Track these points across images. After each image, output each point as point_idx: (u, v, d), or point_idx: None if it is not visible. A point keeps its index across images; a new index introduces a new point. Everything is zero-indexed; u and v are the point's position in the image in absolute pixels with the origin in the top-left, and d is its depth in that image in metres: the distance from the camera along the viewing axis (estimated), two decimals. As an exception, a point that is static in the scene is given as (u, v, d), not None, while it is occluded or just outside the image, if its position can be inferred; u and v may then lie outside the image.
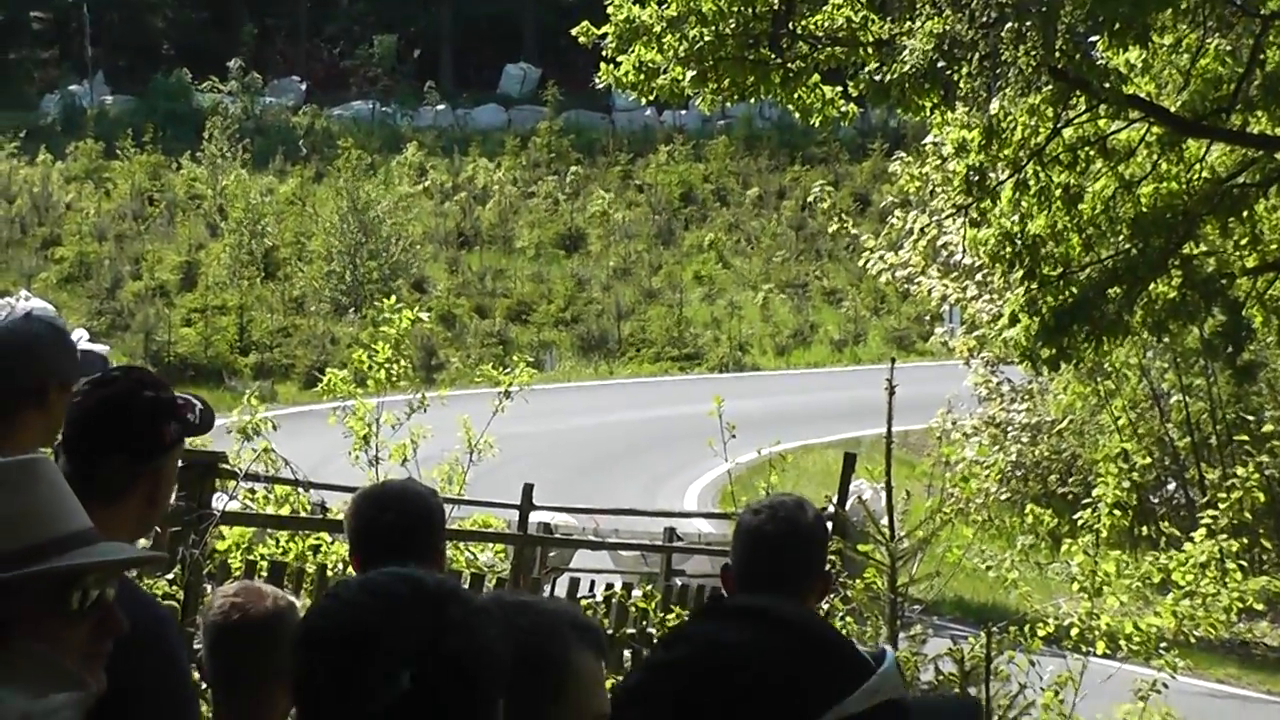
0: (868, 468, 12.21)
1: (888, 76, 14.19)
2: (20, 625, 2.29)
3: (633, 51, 15.53)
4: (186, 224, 42.65)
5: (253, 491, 11.13)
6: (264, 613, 3.84)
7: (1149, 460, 19.41)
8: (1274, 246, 16.01)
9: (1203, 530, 11.25)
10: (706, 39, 15.03)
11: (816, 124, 16.23)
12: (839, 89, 15.64)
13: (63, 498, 2.38)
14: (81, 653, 2.34)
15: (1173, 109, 15.18)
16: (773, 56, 15.24)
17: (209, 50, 53.72)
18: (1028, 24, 13.57)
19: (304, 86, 55.28)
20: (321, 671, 2.07)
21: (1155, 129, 15.19)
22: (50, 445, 3.80)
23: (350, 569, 4.52)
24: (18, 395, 3.97)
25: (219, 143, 44.96)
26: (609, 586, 11.93)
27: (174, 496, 7.03)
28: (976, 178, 15.07)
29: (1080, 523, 10.76)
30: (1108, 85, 14.11)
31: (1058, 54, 13.76)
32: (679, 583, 13.11)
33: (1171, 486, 23.42)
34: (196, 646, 3.97)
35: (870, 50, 14.92)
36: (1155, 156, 15.34)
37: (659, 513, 17.13)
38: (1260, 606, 14.68)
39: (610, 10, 15.59)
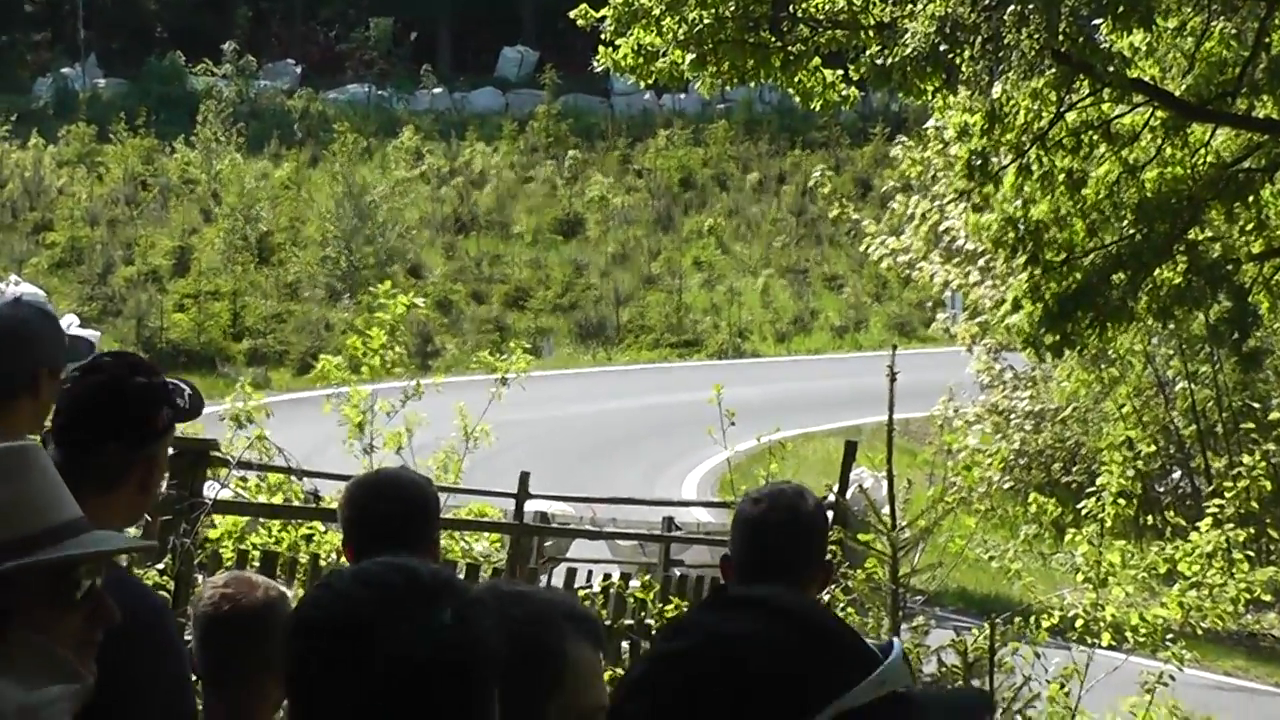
0: (869, 456, 12.14)
1: (889, 60, 14.10)
2: (18, 616, 2.30)
3: (631, 34, 15.43)
4: (180, 209, 42.55)
5: (245, 480, 11.10)
6: (255, 603, 3.83)
7: (1154, 448, 19.32)
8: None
9: (1209, 520, 11.15)
10: (706, 22, 14.94)
11: (817, 108, 16.13)
12: (840, 72, 15.55)
13: (54, 486, 2.37)
14: (75, 642, 2.34)
15: (1177, 93, 15.11)
16: (773, 39, 15.15)
17: (203, 33, 53.55)
18: (1030, 7, 13.51)
19: (299, 70, 55.13)
20: (314, 662, 2.05)
21: (1159, 113, 15.12)
22: (38, 432, 3.79)
23: (344, 559, 4.49)
24: (7, 381, 3.95)
25: (213, 126, 44.83)
26: (606, 577, 11.88)
27: (165, 484, 6.96)
28: (979, 162, 15.00)
29: (1084, 512, 10.73)
30: (1111, 69, 14.03)
31: (1061, 37, 13.68)
32: (677, 573, 13.02)
33: (1177, 475, 23.34)
34: (187, 638, 3.93)
35: (871, 33, 14.82)
36: (1159, 141, 15.27)
37: (657, 501, 17.02)
38: (1268, 597, 14.61)
39: (608, -8, 15.49)
